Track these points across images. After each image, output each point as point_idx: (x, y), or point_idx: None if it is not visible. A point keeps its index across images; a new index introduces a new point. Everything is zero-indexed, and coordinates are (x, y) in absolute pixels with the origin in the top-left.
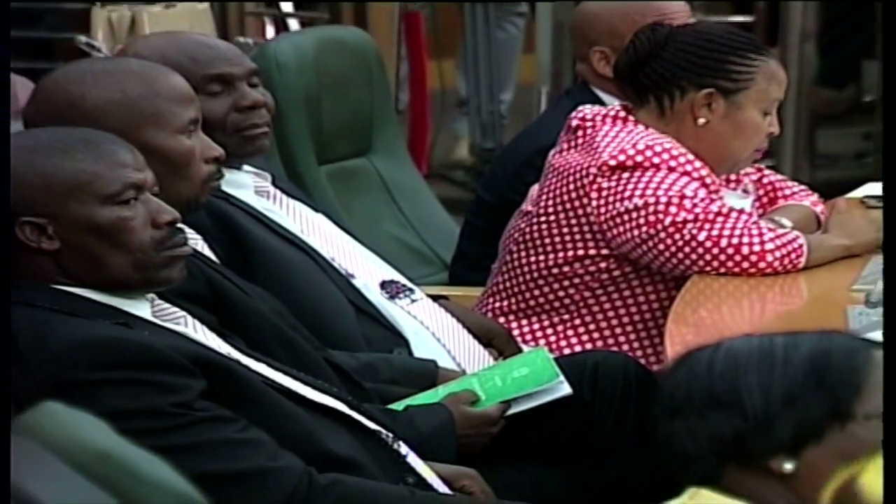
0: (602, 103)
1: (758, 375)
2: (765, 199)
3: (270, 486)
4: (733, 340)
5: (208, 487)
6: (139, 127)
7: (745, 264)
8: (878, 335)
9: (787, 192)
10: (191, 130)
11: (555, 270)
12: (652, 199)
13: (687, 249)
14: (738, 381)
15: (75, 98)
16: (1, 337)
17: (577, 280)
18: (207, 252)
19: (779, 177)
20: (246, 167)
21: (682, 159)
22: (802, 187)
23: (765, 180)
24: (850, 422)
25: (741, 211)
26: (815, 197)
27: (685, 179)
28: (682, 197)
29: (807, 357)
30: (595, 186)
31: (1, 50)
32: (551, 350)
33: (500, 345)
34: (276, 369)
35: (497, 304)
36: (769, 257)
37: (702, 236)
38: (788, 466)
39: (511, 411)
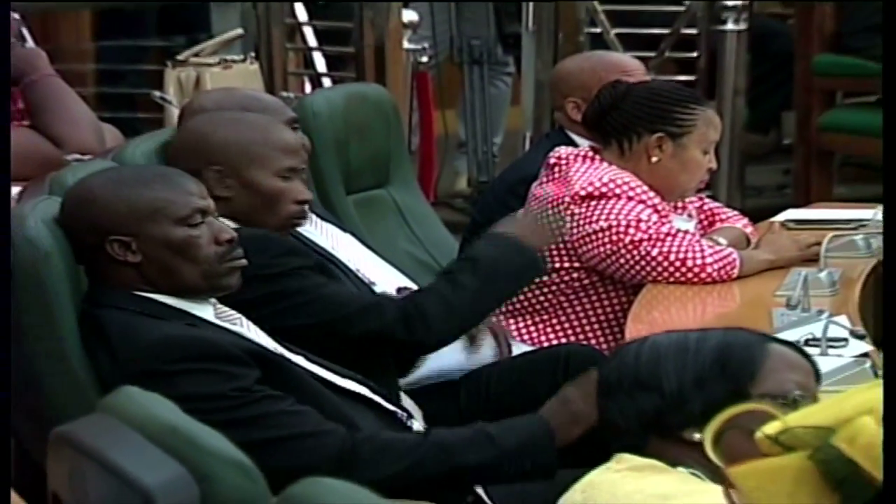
0: (574, 144)
1: (674, 363)
2: (705, 222)
3: (324, 444)
4: (656, 335)
5: (270, 452)
6: (248, 165)
7: (690, 275)
8: (796, 332)
9: (723, 216)
10: (287, 176)
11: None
12: (614, 223)
13: (643, 263)
14: (658, 368)
15: (205, 135)
16: (1, 337)
17: (554, 287)
18: None
19: (716, 204)
20: None
21: (638, 190)
22: (735, 213)
23: (705, 207)
24: (749, 399)
25: (686, 231)
26: (745, 220)
27: (641, 206)
28: (639, 220)
29: (713, 349)
30: (569, 212)
31: (1, 50)
32: (533, 343)
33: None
34: (312, 361)
35: None
36: (709, 269)
37: (654, 252)
38: (697, 436)
39: None
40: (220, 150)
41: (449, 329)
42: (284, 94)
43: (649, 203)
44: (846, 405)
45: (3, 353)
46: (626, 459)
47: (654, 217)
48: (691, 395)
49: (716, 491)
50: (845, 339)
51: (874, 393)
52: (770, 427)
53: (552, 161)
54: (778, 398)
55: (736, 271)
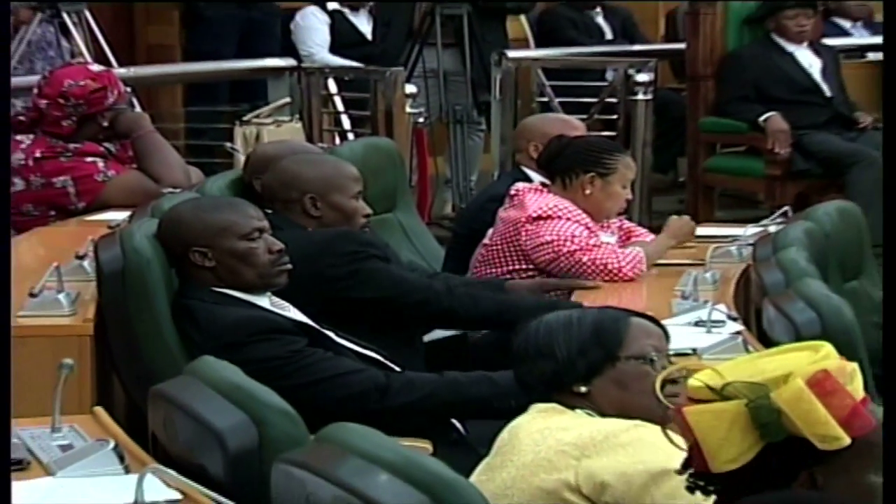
0: (529, 179)
1: (563, 336)
2: (623, 237)
3: (366, 377)
4: (550, 315)
5: (324, 388)
6: (332, 192)
7: (611, 275)
8: (688, 316)
9: (636, 233)
10: (356, 197)
11: (500, 278)
12: (557, 237)
13: (577, 266)
14: (551, 340)
15: (298, 173)
16: (1, 340)
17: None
18: None
19: (631, 224)
20: None
21: (575, 213)
22: (645, 230)
23: (623, 226)
24: (618, 362)
25: (609, 243)
26: (652, 236)
27: (576, 225)
28: (574, 235)
29: (590, 323)
30: (524, 229)
31: (1, 52)
32: None
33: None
34: (340, 336)
35: None
36: (625, 269)
37: (585, 259)
38: (584, 389)
39: None
40: (312, 182)
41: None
42: (321, 144)
43: (582, 223)
44: (765, 366)
45: (3, 353)
46: (536, 407)
47: (586, 233)
48: (577, 359)
49: (597, 421)
50: (723, 321)
51: (789, 358)
52: (710, 380)
53: (512, 192)
54: (640, 359)
55: (645, 266)
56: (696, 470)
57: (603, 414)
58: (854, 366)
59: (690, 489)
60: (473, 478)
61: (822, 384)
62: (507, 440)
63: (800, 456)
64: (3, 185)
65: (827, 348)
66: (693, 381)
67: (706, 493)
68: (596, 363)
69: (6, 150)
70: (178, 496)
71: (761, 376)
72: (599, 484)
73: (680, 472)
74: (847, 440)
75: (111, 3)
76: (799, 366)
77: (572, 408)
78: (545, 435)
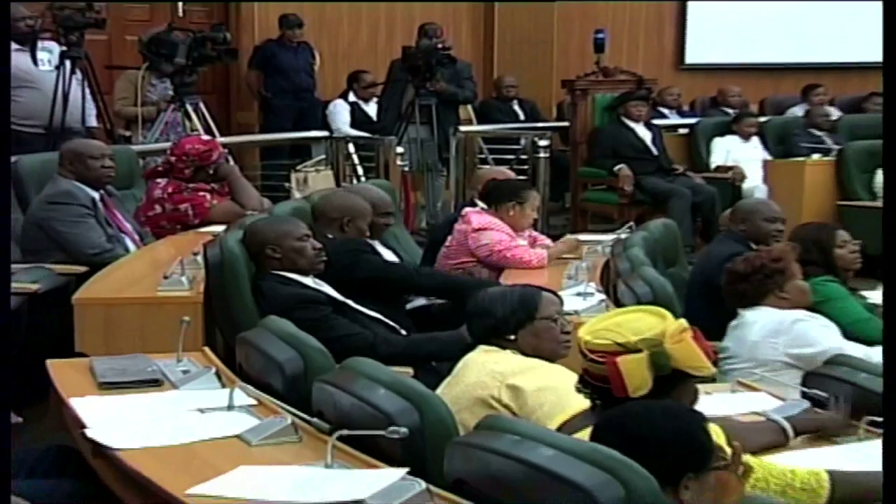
0: (475, 205)
1: (500, 302)
2: (531, 241)
3: (363, 337)
4: (491, 289)
5: (343, 341)
6: (364, 217)
7: (525, 265)
8: (573, 290)
9: (540, 239)
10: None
11: (455, 267)
12: (491, 241)
13: (504, 260)
14: (493, 305)
15: (343, 203)
16: (1, 337)
17: (468, 269)
18: None
19: (536, 233)
20: None
21: (502, 227)
22: (545, 237)
23: (532, 234)
24: (535, 320)
25: (523, 245)
26: (549, 241)
27: (503, 234)
28: (502, 240)
29: (518, 293)
30: (470, 236)
31: (1, 52)
32: None
33: None
34: (357, 304)
35: None
36: (534, 262)
37: (509, 255)
38: (512, 337)
39: None
40: (350, 210)
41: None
42: (345, 184)
43: (506, 232)
44: (640, 326)
45: (3, 354)
46: (482, 347)
47: (509, 239)
48: (509, 318)
49: (520, 358)
50: (594, 293)
51: (648, 319)
52: (618, 339)
53: (462, 213)
54: (549, 318)
55: (546, 261)
56: (615, 395)
57: (524, 354)
58: (684, 321)
59: (591, 399)
60: (438, 391)
61: (695, 336)
62: (460, 367)
63: (674, 380)
64: (3, 186)
65: (664, 311)
66: (600, 340)
67: (592, 399)
68: (521, 320)
69: (6, 152)
70: (254, 402)
71: (649, 333)
72: (514, 389)
73: (579, 391)
74: (712, 368)
75: (215, 96)
76: (666, 325)
77: (504, 349)
78: (485, 365)
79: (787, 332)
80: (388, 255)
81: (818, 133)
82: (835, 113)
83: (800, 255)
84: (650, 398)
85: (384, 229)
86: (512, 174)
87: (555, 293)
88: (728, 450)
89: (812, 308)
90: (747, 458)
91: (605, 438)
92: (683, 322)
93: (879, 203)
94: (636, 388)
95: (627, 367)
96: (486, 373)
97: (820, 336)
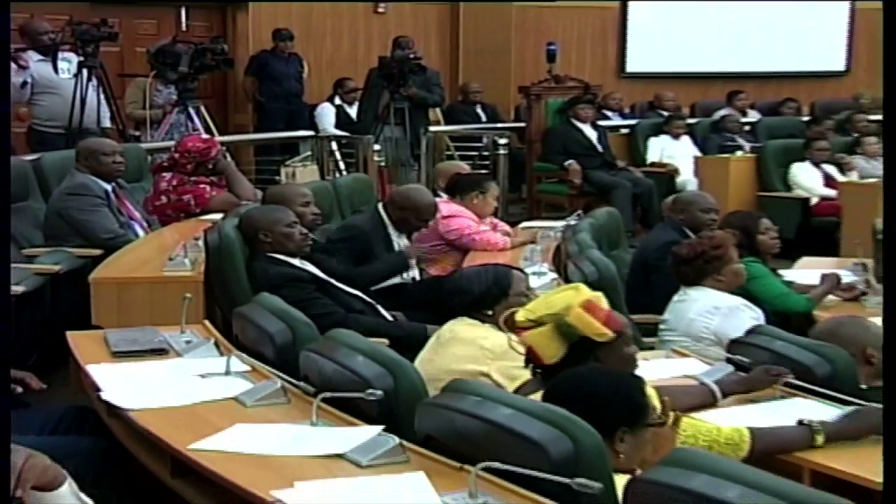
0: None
1: (476, 280)
2: (492, 227)
3: (337, 316)
4: (467, 269)
5: (323, 316)
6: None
7: (490, 247)
8: (530, 269)
9: (500, 225)
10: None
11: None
12: (459, 226)
13: (471, 242)
14: (470, 283)
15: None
16: (1, 336)
17: (440, 251)
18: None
19: (497, 220)
20: None
21: (468, 214)
22: (504, 224)
23: (493, 220)
24: (508, 297)
25: (486, 230)
26: (508, 228)
27: (469, 220)
28: (469, 226)
29: (492, 272)
30: (440, 222)
31: (1, 52)
32: (439, 272)
33: None
34: (339, 281)
35: None
36: (499, 244)
37: (476, 237)
38: (490, 312)
39: None
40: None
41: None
42: (328, 178)
43: (472, 219)
44: (554, 300)
45: (4, 354)
46: (464, 320)
47: (474, 224)
48: (485, 295)
49: (500, 335)
50: (547, 273)
51: (564, 295)
52: (529, 315)
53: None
54: (520, 295)
55: (509, 245)
56: (534, 363)
57: (499, 327)
58: (599, 294)
59: (532, 369)
60: (421, 356)
61: (588, 306)
62: (447, 337)
63: (588, 347)
64: (3, 186)
65: (582, 287)
66: (518, 317)
67: (533, 369)
68: (496, 297)
69: (6, 151)
70: (249, 368)
71: (556, 308)
72: (503, 369)
73: (526, 365)
74: (611, 334)
75: (215, 100)
76: (573, 300)
77: (484, 322)
78: (474, 340)
79: (724, 315)
80: (404, 242)
81: (731, 134)
82: (755, 115)
83: (743, 236)
84: (576, 364)
85: (416, 229)
86: (468, 168)
87: (522, 271)
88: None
89: (741, 285)
90: (680, 417)
91: (555, 398)
92: (589, 295)
93: (793, 194)
94: (548, 356)
95: (533, 339)
96: (477, 348)
97: (747, 325)
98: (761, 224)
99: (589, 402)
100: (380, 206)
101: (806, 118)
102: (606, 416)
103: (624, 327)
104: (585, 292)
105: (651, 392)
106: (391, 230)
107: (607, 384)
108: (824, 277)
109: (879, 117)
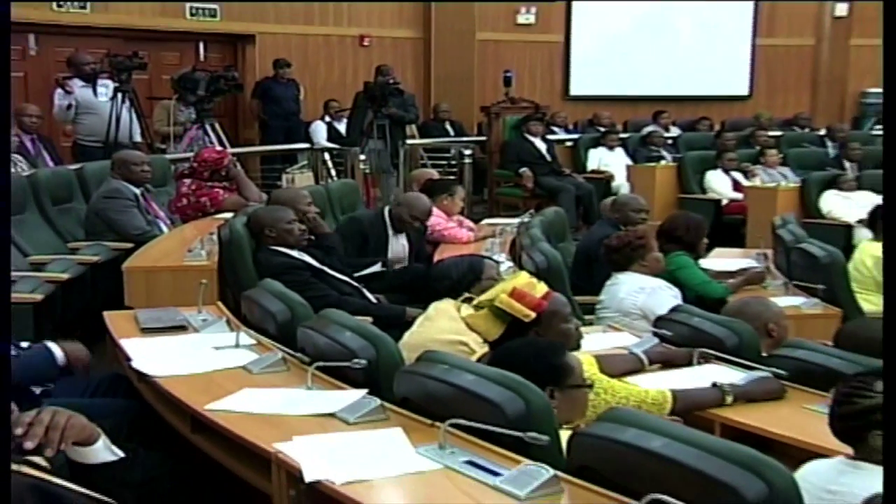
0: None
1: (454, 268)
2: (458, 224)
3: (330, 296)
4: (447, 259)
5: (318, 297)
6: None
7: (456, 240)
8: (495, 256)
9: (466, 223)
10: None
11: None
12: (431, 223)
13: (441, 237)
14: (450, 270)
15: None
16: (1, 335)
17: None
18: None
19: (462, 217)
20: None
21: (439, 212)
22: (469, 221)
23: (459, 218)
24: (481, 280)
25: (454, 227)
26: (471, 224)
27: (440, 218)
28: (439, 222)
29: (468, 262)
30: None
31: (1, 52)
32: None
33: None
34: (333, 269)
35: None
36: (464, 238)
37: (446, 233)
38: (467, 295)
39: None
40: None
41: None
42: (322, 183)
43: (442, 217)
44: (493, 290)
45: (4, 353)
46: (449, 301)
47: (443, 221)
48: (462, 280)
49: (467, 307)
50: (504, 262)
51: (506, 284)
52: (476, 302)
53: None
54: (490, 279)
55: (473, 238)
56: (484, 339)
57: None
58: (535, 281)
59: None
60: (412, 328)
61: (514, 293)
62: (434, 313)
63: (522, 326)
64: (3, 184)
65: (522, 274)
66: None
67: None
68: (471, 281)
69: (6, 150)
70: (255, 342)
71: (490, 295)
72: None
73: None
74: (532, 314)
75: (227, 119)
76: (504, 288)
77: (464, 302)
78: (455, 316)
79: (648, 294)
80: (402, 240)
81: (656, 147)
82: (675, 131)
83: (670, 235)
84: (517, 337)
85: (410, 228)
86: (438, 174)
87: (493, 259)
88: (599, 376)
89: (670, 274)
90: (611, 381)
91: (494, 365)
92: (522, 284)
93: (707, 196)
94: (489, 334)
95: (473, 320)
96: (458, 322)
97: (669, 303)
98: (702, 230)
99: (522, 366)
100: (386, 208)
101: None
102: (532, 377)
103: (556, 308)
104: (520, 281)
105: (580, 358)
106: (389, 229)
107: (528, 352)
108: (743, 272)
109: (776, 133)
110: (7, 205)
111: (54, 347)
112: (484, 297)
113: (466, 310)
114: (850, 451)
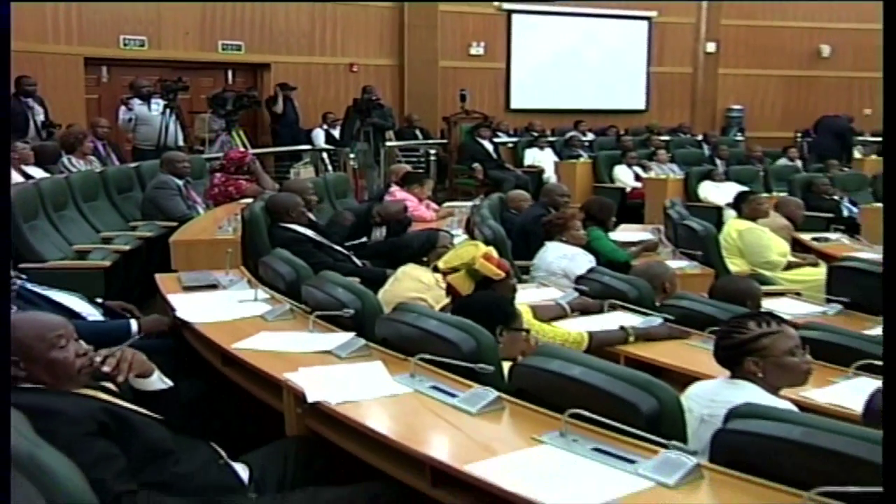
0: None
1: (415, 239)
2: (426, 207)
3: (327, 262)
4: (410, 231)
5: (316, 263)
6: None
7: (423, 221)
8: (457, 240)
9: (431, 205)
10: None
11: None
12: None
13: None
14: (411, 241)
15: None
16: (1, 337)
17: None
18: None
19: (429, 201)
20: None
21: (413, 198)
22: (434, 203)
23: (427, 202)
24: (437, 248)
25: (422, 209)
26: (437, 206)
27: (413, 203)
28: (413, 205)
29: (426, 234)
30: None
31: (2, 52)
32: None
33: None
34: (331, 244)
35: None
36: (428, 217)
37: (416, 213)
38: (426, 259)
39: None
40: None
41: None
42: (321, 175)
43: (415, 201)
44: (462, 254)
45: (4, 352)
46: (410, 265)
47: (415, 204)
48: (420, 248)
49: (425, 271)
50: (461, 235)
51: (469, 249)
52: (449, 264)
53: (390, 191)
54: (444, 248)
55: (436, 218)
56: (453, 295)
57: (432, 269)
58: (492, 248)
59: (451, 299)
60: (384, 288)
61: (486, 256)
62: (399, 276)
63: (487, 283)
64: (3, 185)
65: (480, 244)
66: (440, 265)
67: (452, 299)
68: (428, 249)
69: (6, 150)
70: (269, 297)
71: (466, 258)
72: (431, 299)
73: (447, 295)
74: (503, 274)
75: (249, 127)
76: (476, 253)
77: (427, 265)
78: (416, 277)
79: (569, 259)
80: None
81: (576, 148)
82: (591, 136)
83: (587, 214)
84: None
85: (378, 224)
86: (410, 168)
87: (451, 233)
88: (533, 321)
89: (588, 244)
90: (542, 325)
91: (460, 311)
92: (486, 249)
93: (615, 185)
94: (463, 290)
95: (453, 280)
96: (418, 282)
97: (585, 266)
98: (611, 210)
99: (477, 311)
100: (375, 208)
101: (620, 137)
102: (488, 318)
103: (509, 270)
104: (482, 248)
105: (525, 309)
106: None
107: (488, 300)
108: (642, 242)
109: (666, 137)
110: (7, 215)
111: (133, 324)
112: (457, 261)
113: (429, 275)
114: (727, 374)
